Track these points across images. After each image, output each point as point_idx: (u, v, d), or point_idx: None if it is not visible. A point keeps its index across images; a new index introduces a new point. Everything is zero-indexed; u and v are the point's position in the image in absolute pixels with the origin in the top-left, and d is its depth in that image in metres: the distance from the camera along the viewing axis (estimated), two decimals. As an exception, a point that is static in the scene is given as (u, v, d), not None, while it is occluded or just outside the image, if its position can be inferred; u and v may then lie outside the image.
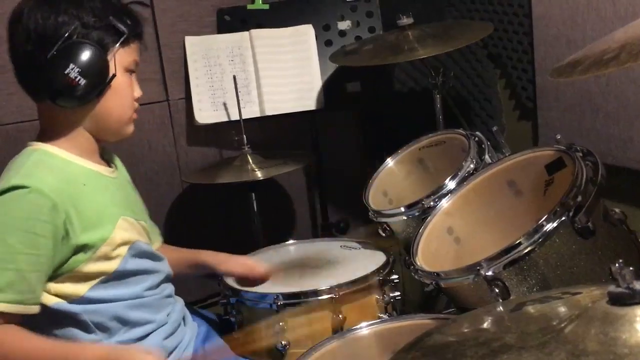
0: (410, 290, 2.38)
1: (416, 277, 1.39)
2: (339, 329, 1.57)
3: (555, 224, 1.20)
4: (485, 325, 0.85)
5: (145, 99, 2.42)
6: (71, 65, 1.27)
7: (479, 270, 1.23)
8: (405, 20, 2.08)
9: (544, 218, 1.21)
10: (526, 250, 1.20)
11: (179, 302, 1.57)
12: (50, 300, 1.30)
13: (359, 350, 1.39)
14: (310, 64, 2.41)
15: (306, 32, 2.43)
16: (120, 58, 1.36)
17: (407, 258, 1.51)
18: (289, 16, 2.44)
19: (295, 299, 1.62)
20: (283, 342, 1.59)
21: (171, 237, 1.75)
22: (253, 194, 2.26)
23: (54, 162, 1.34)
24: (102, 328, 1.36)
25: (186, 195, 2.49)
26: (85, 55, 1.29)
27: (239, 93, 2.23)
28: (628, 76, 1.80)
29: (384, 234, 1.77)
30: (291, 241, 2.07)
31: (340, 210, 2.66)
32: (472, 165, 1.64)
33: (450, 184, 1.62)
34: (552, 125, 2.07)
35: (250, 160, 2.20)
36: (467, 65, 2.41)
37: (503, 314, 0.89)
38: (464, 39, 1.99)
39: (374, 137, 2.78)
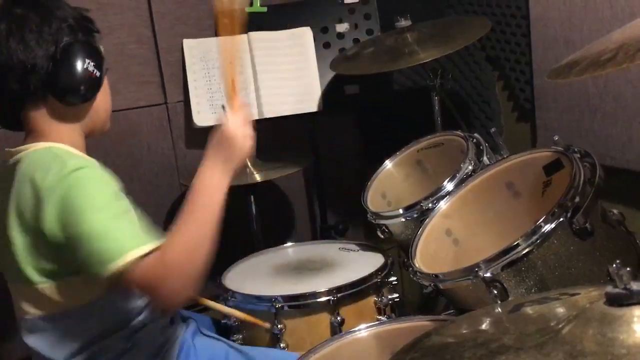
0: (409, 291, 2.38)
1: (415, 278, 1.39)
2: (337, 331, 1.57)
3: (553, 225, 1.20)
4: (483, 326, 0.85)
5: (144, 101, 2.41)
6: (87, 60, 1.32)
7: (477, 271, 1.24)
8: (404, 23, 2.09)
9: (542, 219, 1.21)
10: (524, 252, 1.20)
11: None
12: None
13: (358, 352, 1.38)
14: (309, 67, 2.41)
15: (304, 35, 2.43)
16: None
17: (405, 260, 1.52)
18: (287, 19, 2.44)
19: (294, 301, 1.63)
20: (282, 345, 1.59)
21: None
22: (252, 197, 2.26)
23: (72, 153, 1.35)
24: None
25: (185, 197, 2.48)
26: (92, 50, 1.34)
27: (237, 96, 2.24)
28: (626, 77, 1.80)
29: (382, 236, 1.77)
30: (290, 243, 2.07)
31: (339, 212, 2.66)
32: (470, 167, 1.64)
33: (449, 186, 1.62)
34: (550, 127, 2.07)
35: (249, 163, 2.20)
36: (466, 67, 2.41)
37: (501, 315, 0.90)
38: (463, 38, 1.98)
39: (372, 139, 2.78)
